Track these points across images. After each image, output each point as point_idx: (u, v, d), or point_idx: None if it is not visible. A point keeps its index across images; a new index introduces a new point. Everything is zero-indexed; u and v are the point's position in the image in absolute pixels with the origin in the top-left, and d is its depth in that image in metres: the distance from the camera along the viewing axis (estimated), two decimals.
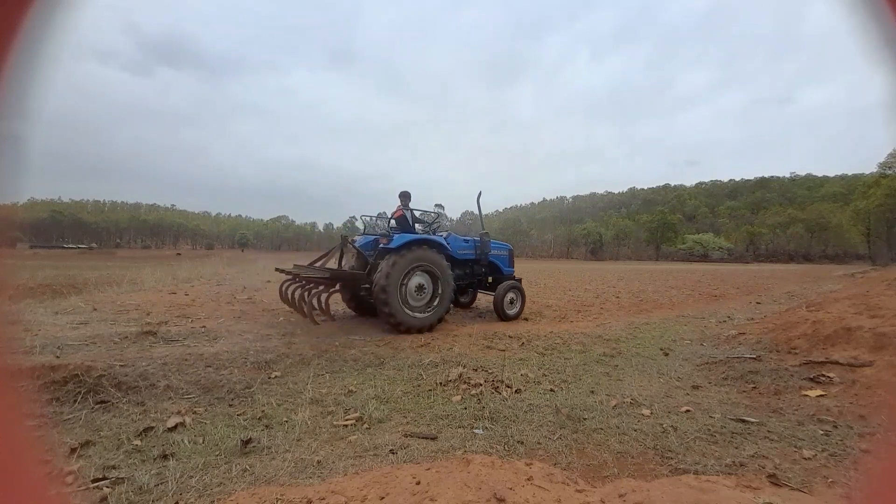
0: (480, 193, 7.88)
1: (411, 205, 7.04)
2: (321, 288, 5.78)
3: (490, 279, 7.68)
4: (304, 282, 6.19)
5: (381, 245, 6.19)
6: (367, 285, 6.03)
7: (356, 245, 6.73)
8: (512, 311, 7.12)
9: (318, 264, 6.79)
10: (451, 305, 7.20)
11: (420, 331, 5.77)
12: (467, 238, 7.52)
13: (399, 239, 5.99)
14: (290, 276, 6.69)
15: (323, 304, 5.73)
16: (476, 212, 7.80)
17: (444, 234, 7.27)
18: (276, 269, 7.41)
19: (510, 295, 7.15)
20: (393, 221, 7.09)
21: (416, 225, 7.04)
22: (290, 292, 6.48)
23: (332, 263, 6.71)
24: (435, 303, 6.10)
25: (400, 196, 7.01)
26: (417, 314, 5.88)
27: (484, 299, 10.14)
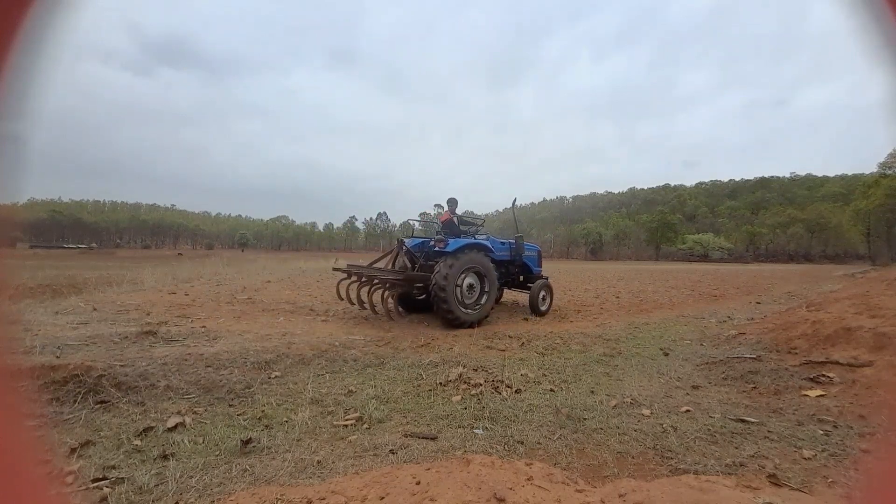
0: (515, 200, 8.77)
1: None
2: (388, 287, 6.43)
3: (521, 278, 8.33)
4: (375, 281, 6.71)
5: (437, 248, 6.71)
6: (419, 284, 6.66)
7: (407, 247, 7.30)
8: (543, 307, 7.75)
9: (378, 265, 7.60)
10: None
11: (472, 325, 6.39)
12: (504, 241, 8.05)
13: (455, 243, 6.59)
14: (346, 275, 7.27)
15: (390, 303, 6.46)
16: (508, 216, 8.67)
17: (484, 236, 7.73)
18: (334, 269, 8.14)
19: (542, 293, 7.80)
20: (435, 225, 7.84)
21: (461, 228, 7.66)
22: (347, 290, 7.19)
23: (380, 264, 7.53)
24: (483, 300, 6.73)
25: (448, 202, 7.64)
26: (469, 311, 6.49)
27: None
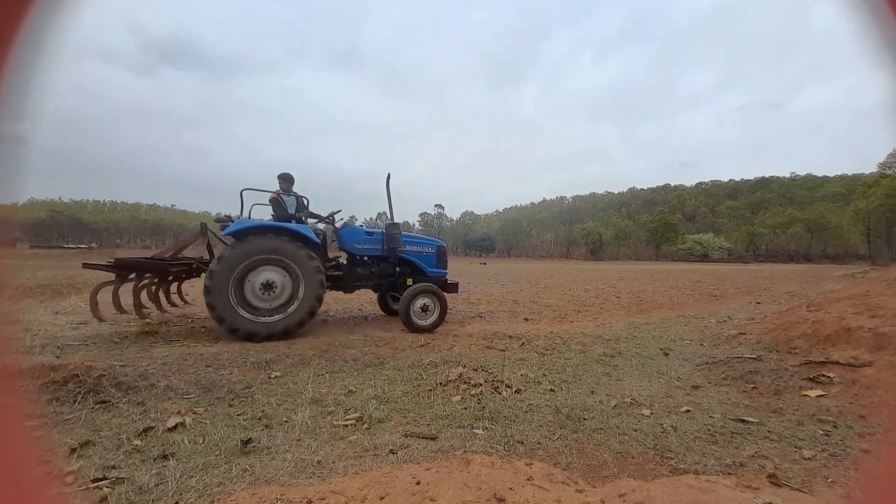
0: (390, 176, 6.32)
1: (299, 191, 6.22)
2: (145, 280, 5.57)
3: (410, 281, 6.27)
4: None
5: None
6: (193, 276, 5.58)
7: (218, 234, 5.82)
8: (425, 322, 5.76)
9: (169, 255, 6.09)
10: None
11: (269, 338, 4.86)
12: (372, 230, 6.38)
13: (238, 224, 5.13)
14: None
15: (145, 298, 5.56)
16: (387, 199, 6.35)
17: (340, 222, 6.41)
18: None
19: (423, 300, 5.77)
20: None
21: (305, 215, 6.17)
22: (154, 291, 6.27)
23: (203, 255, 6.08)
24: (294, 305, 5.12)
25: (278, 178, 6.04)
26: (264, 318, 4.97)
27: (485, 300, 10.15)
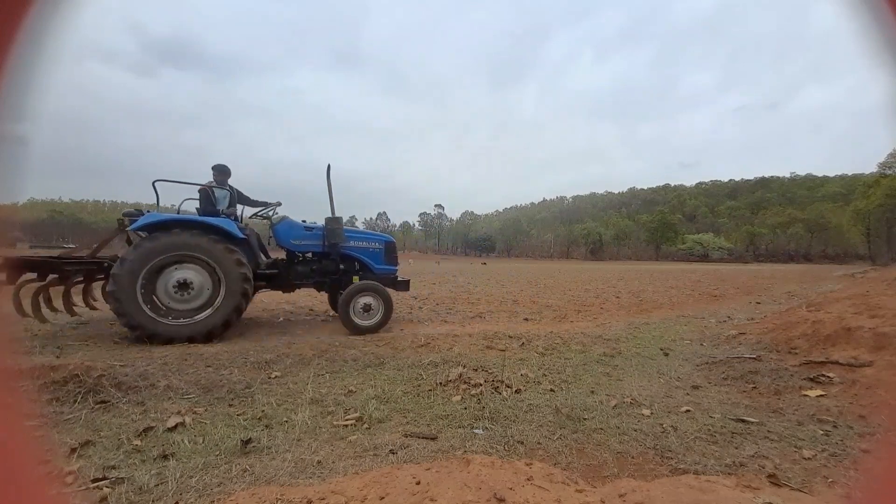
0: (329, 167, 6.00)
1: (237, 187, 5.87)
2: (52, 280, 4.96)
3: (357, 279, 5.89)
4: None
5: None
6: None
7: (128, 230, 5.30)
8: (367, 322, 5.44)
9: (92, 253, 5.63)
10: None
11: (192, 340, 4.60)
12: (312, 225, 6.01)
13: (144, 219, 4.79)
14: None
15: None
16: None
17: (278, 217, 6.08)
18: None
19: (365, 299, 5.44)
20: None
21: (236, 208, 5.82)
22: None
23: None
24: (214, 306, 4.83)
25: (213, 170, 5.66)
26: (181, 320, 4.69)
27: (485, 300, 10.15)
